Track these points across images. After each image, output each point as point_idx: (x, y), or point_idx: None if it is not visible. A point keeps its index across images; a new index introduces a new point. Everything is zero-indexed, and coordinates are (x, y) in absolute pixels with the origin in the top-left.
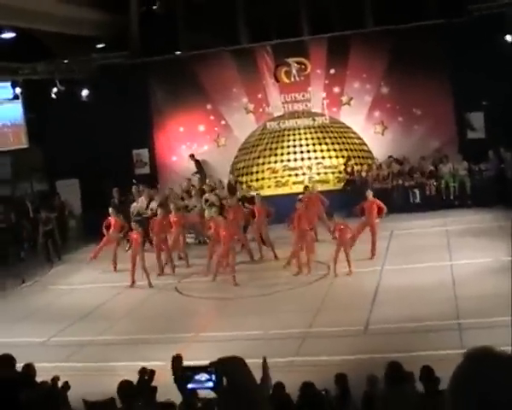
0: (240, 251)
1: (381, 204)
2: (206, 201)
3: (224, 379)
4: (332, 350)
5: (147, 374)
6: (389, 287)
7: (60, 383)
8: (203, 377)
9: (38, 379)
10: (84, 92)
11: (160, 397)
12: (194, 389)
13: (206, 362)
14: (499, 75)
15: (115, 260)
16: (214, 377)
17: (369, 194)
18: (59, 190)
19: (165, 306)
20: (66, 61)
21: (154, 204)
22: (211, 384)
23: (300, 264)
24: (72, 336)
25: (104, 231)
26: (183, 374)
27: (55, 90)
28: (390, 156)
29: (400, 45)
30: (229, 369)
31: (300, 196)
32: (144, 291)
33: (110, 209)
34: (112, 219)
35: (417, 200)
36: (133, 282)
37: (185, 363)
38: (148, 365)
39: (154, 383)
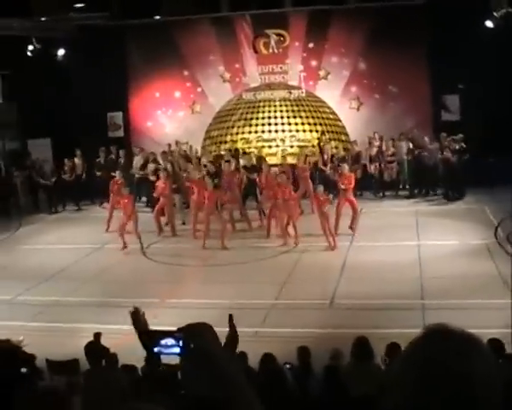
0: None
1: (353, 180)
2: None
3: (191, 345)
4: (297, 323)
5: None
6: (356, 263)
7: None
8: (169, 341)
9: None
10: (61, 52)
11: (123, 360)
12: (158, 354)
13: (171, 328)
14: (477, 58)
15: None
16: (181, 342)
17: (345, 168)
18: (30, 148)
19: (133, 270)
20: (43, 19)
21: (151, 166)
22: (177, 350)
23: (285, 234)
24: (38, 296)
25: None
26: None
27: (30, 47)
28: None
29: (380, 23)
30: (196, 335)
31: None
32: (113, 254)
33: (117, 172)
34: (118, 180)
35: (386, 179)
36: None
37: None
38: (112, 328)
39: (118, 347)
